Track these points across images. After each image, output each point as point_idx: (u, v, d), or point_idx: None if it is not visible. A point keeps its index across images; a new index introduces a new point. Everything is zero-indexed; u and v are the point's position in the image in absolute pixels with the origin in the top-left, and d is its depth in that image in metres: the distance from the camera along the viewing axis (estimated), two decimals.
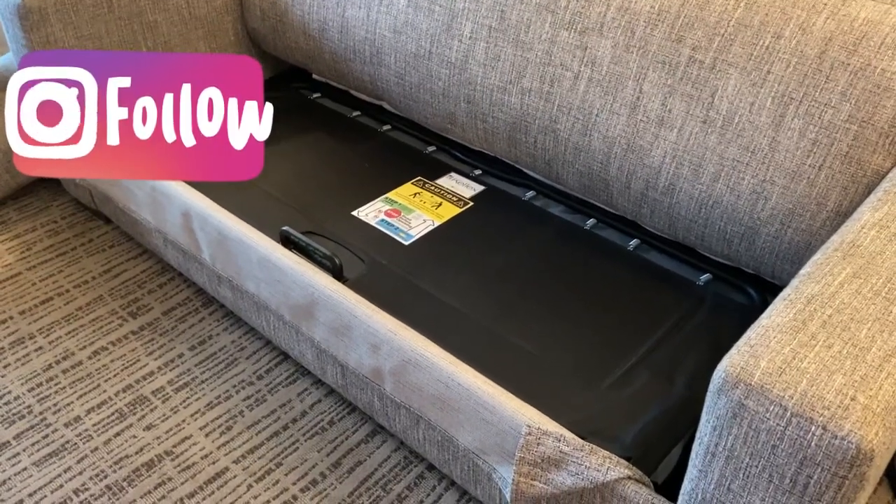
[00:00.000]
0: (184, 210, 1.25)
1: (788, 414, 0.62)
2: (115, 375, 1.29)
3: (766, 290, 1.14)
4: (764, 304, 1.12)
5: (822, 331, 0.67)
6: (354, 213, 1.30)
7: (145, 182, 1.30)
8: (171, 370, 1.30)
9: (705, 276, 1.18)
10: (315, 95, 1.68)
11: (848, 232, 0.80)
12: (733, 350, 0.67)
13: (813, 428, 0.61)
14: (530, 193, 1.37)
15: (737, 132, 1.02)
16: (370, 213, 1.30)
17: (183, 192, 1.25)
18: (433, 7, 1.31)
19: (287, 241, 1.19)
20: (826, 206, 0.97)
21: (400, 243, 1.23)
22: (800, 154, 0.97)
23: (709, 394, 0.68)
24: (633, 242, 1.25)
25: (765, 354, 0.65)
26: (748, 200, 1.03)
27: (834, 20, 0.95)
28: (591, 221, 1.30)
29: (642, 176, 1.14)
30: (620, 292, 1.14)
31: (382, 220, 1.28)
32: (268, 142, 1.48)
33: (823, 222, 0.98)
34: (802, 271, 0.76)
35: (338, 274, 1.14)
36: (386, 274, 1.16)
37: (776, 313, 0.70)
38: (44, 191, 1.69)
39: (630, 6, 1.10)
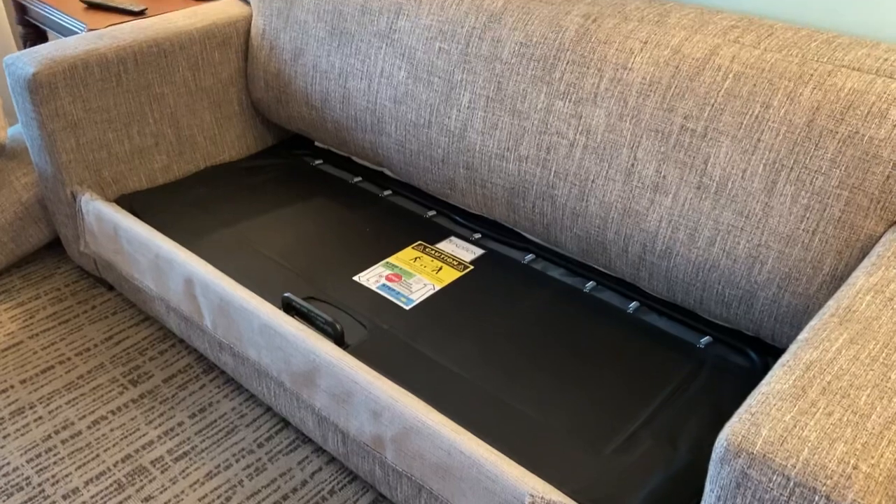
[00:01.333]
0: (186, 276, 1.27)
1: (791, 483, 0.62)
2: (114, 445, 1.28)
3: (767, 353, 1.14)
4: (765, 368, 1.12)
5: (822, 398, 0.67)
6: (356, 277, 1.31)
7: (149, 248, 1.32)
8: (170, 439, 1.29)
9: (706, 339, 1.18)
10: (317, 162, 1.72)
11: (844, 297, 0.81)
12: (734, 418, 0.67)
13: (816, 497, 0.61)
14: (530, 256, 1.39)
15: (730, 198, 1.04)
16: (371, 277, 1.31)
17: (186, 259, 1.26)
18: (432, 79, 1.36)
19: (289, 308, 1.20)
20: (822, 270, 0.98)
21: (401, 308, 1.24)
22: (793, 219, 0.99)
23: (712, 463, 0.67)
24: (633, 305, 1.26)
25: (766, 422, 0.65)
26: (745, 264, 1.05)
27: (820, 90, 0.98)
28: (590, 284, 1.31)
29: (639, 240, 1.16)
30: (621, 356, 1.14)
31: (383, 285, 1.29)
32: (271, 207, 1.52)
33: (820, 286, 0.99)
34: (800, 337, 0.77)
35: (339, 340, 1.14)
36: (387, 339, 1.17)
37: (776, 380, 0.70)
38: (49, 258, 1.71)
39: (622, 77, 1.14)
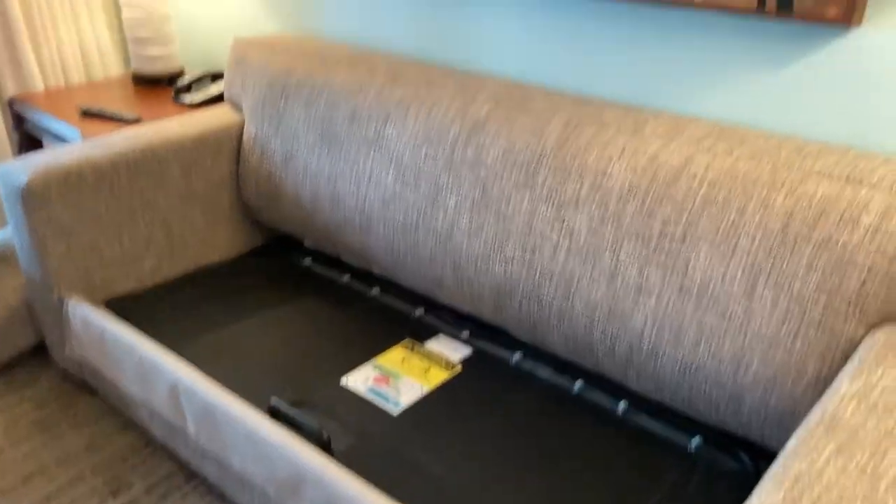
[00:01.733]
0: (171, 382, 1.25)
1: None
2: None
3: (758, 455, 1.13)
4: (757, 472, 1.11)
5: None
6: (344, 380, 1.30)
7: (134, 353, 1.31)
8: None
9: (696, 441, 1.17)
10: (306, 261, 1.74)
11: (829, 403, 0.81)
12: None
13: None
14: (518, 356, 1.39)
15: (712, 300, 1.06)
16: (359, 379, 1.31)
17: (171, 364, 1.25)
18: (419, 182, 1.40)
19: (275, 414, 1.19)
20: (806, 373, 0.99)
21: (389, 413, 1.23)
22: (774, 322, 1.01)
23: None
24: (623, 405, 1.25)
25: None
26: (730, 366, 1.05)
27: (793, 197, 1.01)
28: (579, 384, 1.31)
29: (626, 340, 1.16)
30: (612, 459, 1.13)
31: (371, 389, 1.28)
32: (259, 309, 1.52)
33: (805, 389, 0.99)
34: (788, 445, 0.77)
35: (326, 447, 1.13)
36: (375, 445, 1.15)
37: (766, 493, 0.69)
38: (33, 362, 1.69)
39: (602, 184, 1.18)
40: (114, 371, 1.39)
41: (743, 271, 1.03)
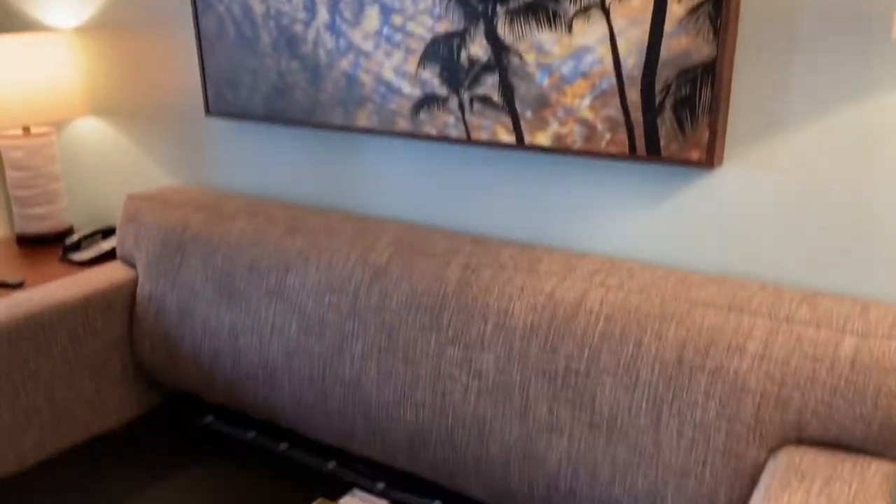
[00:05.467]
0: None
1: None
2: None
3: None
4: None
5: None
6: None
7: None
8: None
9: None
10: (208, 419, 1.65)
11: None
12: None
13: None
14: None
15: (622, 434, 1.08)
16: None
17: None
18: (324, 331, 1.38)
19: None
20: (718, 501, 1.00)
21: None
22: (682, 452, 1.03)
23: None
24: None
25: None
26: (646, 501, 1.05)
27: (683, 328, 1.06)
28: None
29: (543, 482, 1.15)
30: None
31: None
32: (157, 480, 1.41)
33: None
34: None
35: None
36: None
37: None
38: None
39: (506, 323, 1.20)
40: None
41: (647, 402, 1.06)
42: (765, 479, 0.93)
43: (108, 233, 1.87)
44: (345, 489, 1.39)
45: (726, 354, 1.02)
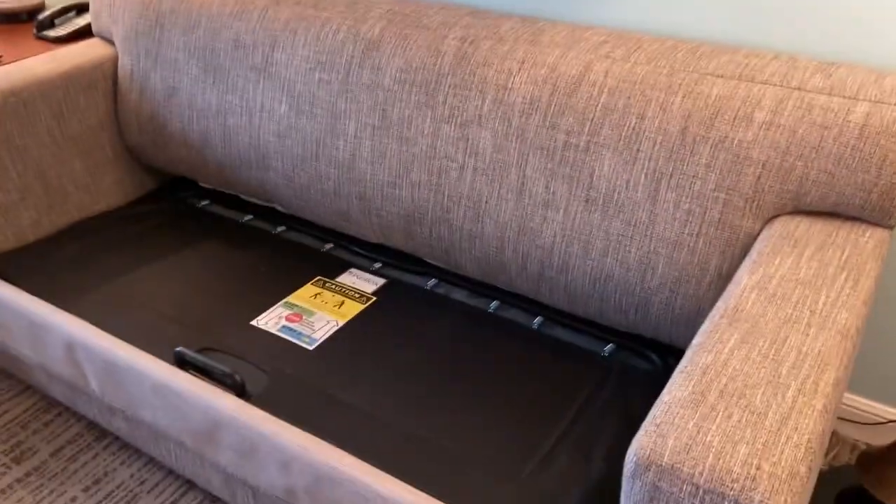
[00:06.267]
0: (66, 341, 1.17)
1: (700, 491, 0.63)
2: None
3: (667, 353, 1.17)
4: (667, 369, 1.15)
5: (721, 401, 0.69)
6: (254, 322, 1.26)
7: (22, 315, 1.22)
8: None
9: (609, 347, 1.20)
10: (204, 203, 1.65)
11: (730, 297, 0.84)
12: (641, 431, 0.68)
13: (725, 502, 0.62)
14: (432, 281, 1.37)
15: (618, 208, 1.07)
16: (270, 320, 1.26)
17: (64, 323, 1.17)
18: (315, 110, 1.33)
19: (182, 363, 1.13)
20: (708, 270, 1.02)
21: (304, 349, 1.19)
22: (677, 224, 1.03)
23: (624, 478, 0.67)
24: (538, 320, 1.27)
25: (671, 432, 0.66)
26: (637, 272, 1.07)
27: (690, 98, 1.02)
28: (494, 304, 1.31)
29: (537, 257, 1.16)
30: (531, 374, 1.15)
31: (284, 327, 1.24)
32: (156, 256, 1.43)
33: (708, 286, 1.03)
34: (695, 341, 0.79)
35: (240, 391, 1.09)
36: (292, 384, 1.12)
37: (676, 387, 0.71)
38: None
39: (504, 98, 1.15)
40: (2, 336, 1.29)
41: (646, 176, 1.04)
42: (757, 246, 0.94)
43: (82, 8, 1.75)
44: (343, 268, 1.42)
45: (732, 124, 0.99)
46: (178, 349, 1.14)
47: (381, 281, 1.38)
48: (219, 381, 1.10)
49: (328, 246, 1.49)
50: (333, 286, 1.36)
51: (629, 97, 1.05)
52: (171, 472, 1.27)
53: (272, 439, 0.97)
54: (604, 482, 0.94)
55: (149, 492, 1.23)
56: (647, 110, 1.04)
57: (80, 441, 1.32)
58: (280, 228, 1.55)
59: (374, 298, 1.33)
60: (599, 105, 1.07)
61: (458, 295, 1.34)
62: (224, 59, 1.41)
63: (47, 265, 1.39)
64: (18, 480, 1.25)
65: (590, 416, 1.06)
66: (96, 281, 1.35)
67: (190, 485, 1.24)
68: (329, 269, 1.41)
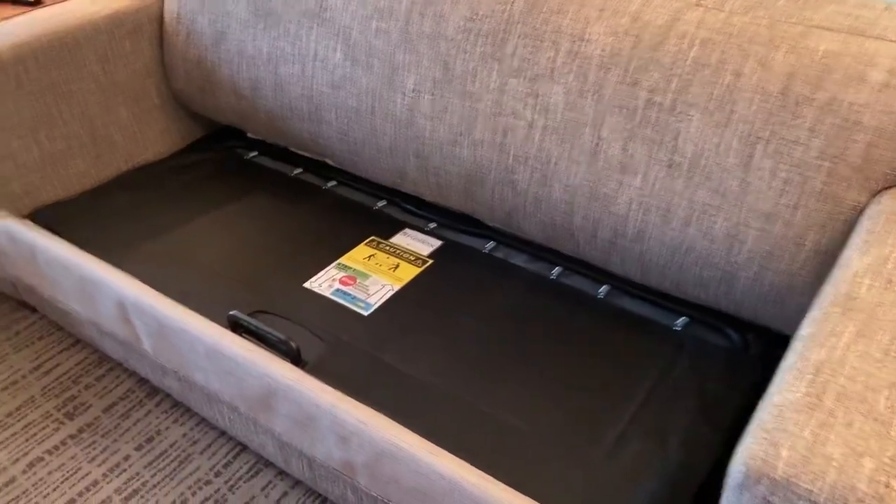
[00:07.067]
0: (117, 299, 1.14)
1: None
2: (54, 490, 1.16)
3: (745, 329, 1.10)
4: (745, 346, 1.08)
5: (839, 405, 0.61)
6: (307, 284, 1.21)
7: (72, 271, 1.19)
8: (117, 476, 1.18)
9: (682, 320, 1.13)
10: (252, 154, 1.59)
11: (841, 281, 0.75)
12: (749, 438, 0.61)
13: None
14: (490, 244, 1.31)
15: (704, 175, 0.98)
16: (324, 282, 1.21)
17: (115, 280, 1.14)
18: (371, 61, 1.25)
19: (236, 327, 1.10)
20: (804, 246, 0.93)
21: (359, 315, 1.15)
22: (773, 194, 0.94)
23: (728, 488, 0.61)
24: (604, 289, 1.20)
25: (784, 441, 0.59)
26: (723, 244, 0.99)
27: (794, 54, 0.91)
28: (556, 270, 1.24)
29: (609, 224, 1.09)
30: (598, 347, 1.08)
31: (338, 290, 1.19)
32: (205, 209, 1.39)
33: (803, 263, 0.94)
34: (802, 332, 0.71)
35: (295, 359, 1.05)
36: (348, 352, 1.08)
37: (787, 388, 0.64)
38: None
39: (580, 50, 1.05)
40: (52, 290, 1.27)
41: (739, 140, 0.95)
42: (865, 224, 0.84)
43: None
44: (397, 228, 1.35)
45: (842, 84, 0.88)
46: (231, 313, 1.10)
47: (436, 243, 1.32)
48: (273, 348, 1.06)
49: (381, 203, 1.43)
50: (387, 247, 1.30)
51: (724, 51, 0.95)
52: (223, 432, 1.25)
53: (330, 412, 0.93)
54: (683, 472, 0.89)
55: (201, 452, 1.21)
56: (744, 66, 0.94)
57: (132, 397, 1.31)
58: (331, 183, 1.49)
59: (431, 261, 1.26)
60: (689, 60, 0.97)
61: (518, 259, 1.27)
62: (276, 3, 1.33)
63: (95, 217, 1.36)
64: (72, 437, 1.24)
65: (663, 396, 1.00)
66: (145, 234, 1.31)
67: (243, 447, 1.23)
68: (382, 228, 1.35)
